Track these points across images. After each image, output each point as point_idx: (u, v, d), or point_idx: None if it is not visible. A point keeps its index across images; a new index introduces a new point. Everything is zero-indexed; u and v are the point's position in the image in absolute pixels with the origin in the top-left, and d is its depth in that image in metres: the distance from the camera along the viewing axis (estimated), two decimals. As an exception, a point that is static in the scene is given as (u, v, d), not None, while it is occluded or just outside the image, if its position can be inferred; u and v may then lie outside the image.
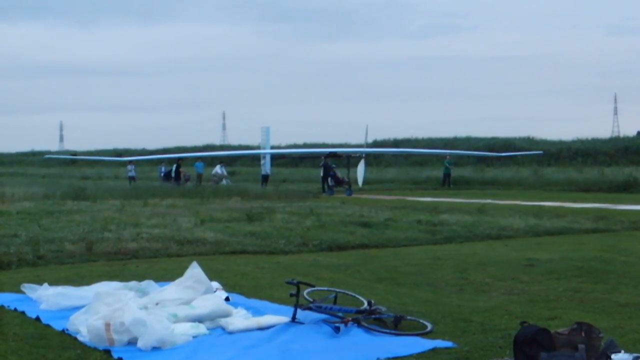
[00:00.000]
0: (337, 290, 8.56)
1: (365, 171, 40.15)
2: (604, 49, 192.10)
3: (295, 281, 7.83)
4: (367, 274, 11.08)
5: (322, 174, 37.89)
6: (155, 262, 12.50)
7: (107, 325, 6.84)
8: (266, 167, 44.25)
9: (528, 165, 52.95)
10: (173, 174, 40.90)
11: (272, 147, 50.05)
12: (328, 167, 36.92)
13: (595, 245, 14.36)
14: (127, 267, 11.88)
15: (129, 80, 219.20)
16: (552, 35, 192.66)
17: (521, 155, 54.89)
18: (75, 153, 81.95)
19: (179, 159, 43.73)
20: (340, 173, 37.16)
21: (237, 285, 9.90)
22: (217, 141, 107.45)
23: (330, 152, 39.77)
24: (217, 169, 43.32)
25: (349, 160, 40.36)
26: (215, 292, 8.64)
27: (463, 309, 8.33)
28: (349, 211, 21.49)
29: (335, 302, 8.10)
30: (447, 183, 41.92)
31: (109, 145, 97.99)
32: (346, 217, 19.25)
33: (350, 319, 7.55)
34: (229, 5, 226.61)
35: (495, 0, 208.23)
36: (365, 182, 39.41)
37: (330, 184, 36.34)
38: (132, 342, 6.81)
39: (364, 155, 41.35)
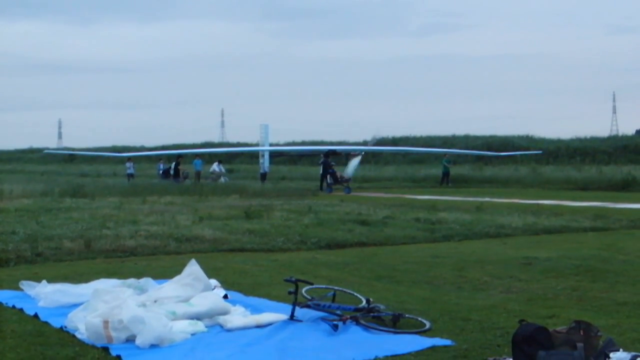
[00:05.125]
0: (336, 288, 8.56)
1: (357, 168, 39.82)
2: (603, 48, 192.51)
3: (293, 279, 7.83)
4: (365, 272, 11.08)
5: (321, 172, 37.87)
6: (153, 259, 12.49)
7: (106, 322, 6.83)
8: (265, 165, 44.22)
9: (526, 164, 52.96)
10: (172, 172, 40.88)
11: (271, 145, 50.03)
12: (327, 165, 36.88)
13: (593, 243, 14.37)
14: (125, 264, 11.87)
15: (128, 78, 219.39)
16: (551, 34, 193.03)
17: (520, 154, 54.90)
18: (73, 156, 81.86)
19: (179, 156, 43.69)
20: (339, 171, 37.12)
21: (235, 283, 9.90)
22: (216, 139, 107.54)
23: (330, 150, 39.71)
24: (215, 166, 43.30)
25: (347, 158, 40.33)
26: (213, 289, 8.65)
27: (461, 307, 8.33)
28: (347, 209, 21.48)
29: (333, 300, 8.10)
30: (445, 181, 41.92)
31: (108, 143, 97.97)
32: (345, 215, 19.25)
33: (348, 316, 7.55)
34: (228, 3, 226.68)
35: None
36: (352, 176, 38.79)
37: (329, 181, 36.32)
38: (130, 340, 6.80)
39: (362, 153, 41.29)
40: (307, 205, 22.18)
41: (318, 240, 14.49)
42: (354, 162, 38.96)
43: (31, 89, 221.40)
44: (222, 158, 47.87)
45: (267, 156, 45.02)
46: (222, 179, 41.68)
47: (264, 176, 42.87)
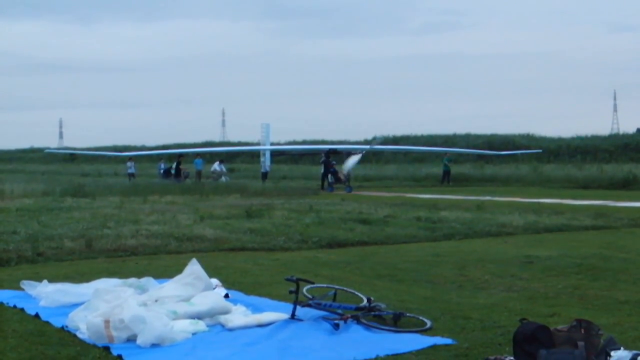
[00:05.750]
0: (337, 287, 8.55)
1: (355, 165, 39.66)
2: (604, 46, 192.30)
3: (294, 278, 7.83)
4: (366, 271, 11.08)
5: (322, 171, 37.84)
6: (154, 258, 12.49)
7: (107, 322, 6.84)
8: (266, 164, 44.17)
9: (527, 162, 52.91)
10: (173, 171, 40.90)
11: (272, 144, 49.99)
12: (328, 164, 36.84)
13: (594, 242, 14.36)
14: (126, 264, 11.87)
15: (129, 77, 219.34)
16: (552, 32, 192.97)
17: (521, 153, 54.85)
18: (74, 156, 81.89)
19: (180, 155, 43.68)
20: (340, 170, 37.08)
21: (236, 282, 9.90)
22: (217, 138, 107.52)
23: (331, 149, 39.70)
24: (216, 166, 43.26)
25: (348, 158, 40.29)
26: (214, 289, 8.65)
27: (462, 306, 8.33)
28: (348, 208, 21.49)
29: (334, 299, 8.09)
30: (446, 180, 41.90)
31: (109, 142, 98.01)
32: (345, 214, 19.25)
33: (349, 315, 7.55)
34: (228, 2, 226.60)
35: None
36: (350, 172, 38.43)
37: (330, 180, 36.28)
38: (131, 339, 6.81)
39: (363, 152, 41.24)
40: (308, 205, 22.18)
41: (319, 239, 14.49)
42: (353, 159, 38.92)
43: (31, 89, 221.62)
44: (223, 157, 47.81)
45: (268, 155, 44.96)
46: (223, 179, 41.64)
47: (265, 175, 42.86)
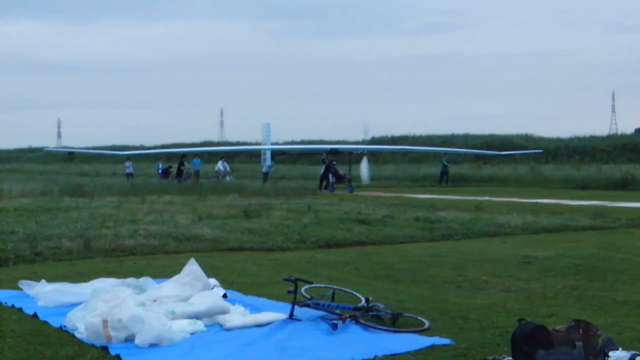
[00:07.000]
0: (335, 287, 8.55)
1: (370, 169, 39.96)
2: (602, 47, 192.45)
3: (292, 278, 7.83)
4: (364, 271, 11.09)
5: (322, 171, 37.77)
6: (152, 258, 12.49)
7: (105, 322, 6.83)
8: (266, 164, 44.05)
9: (526, 163, 52.96)
10: (175, 171, 40.88)
11: (271, 144, 49.92)
12: (329, 164, 36.78)
13: (592, 242, 14.37)
14: (124, 263, 11.87)
15: (127, 77, 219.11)
16: (550, 32, 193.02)
17: (519, 153, 54.89)
18: (72, 155, 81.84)
19: (183, 155, 43.61)
20: (341, 170, 37.04)
21: (234, 282, 9.90)
22: (215, 138, 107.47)
23: (331, 149, 39.70)
24: (219, 165, 43.02)
25: (350, 157, 40.31)
26: (212, 289, 8.65)
27: (460, 306, 8.33)
28: (346, 208, 21.48)
29: (332, 299, 8.10)
30: (444, 180, 41.92)
31: (107, 142, 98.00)
32: (344, 214, 19.24)
33: (347, 316, 7.55)
34: (227, 2, 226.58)
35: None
36: (370, 179, 39.26)
37: (331, 180, 36.19)
38: (129, 339, 6.80)
39: (366, 152, 41.26)
40: (307, 205, 22.17)
41: (317, 240, 14.50)
42: (364, 165, 39.01)
43: (31, 89, 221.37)
44: (224, 156, 47.49)
45: (268, 155, 44.89)
46: (228, 178, 41.37)
47: (265, 175, 42.76)
